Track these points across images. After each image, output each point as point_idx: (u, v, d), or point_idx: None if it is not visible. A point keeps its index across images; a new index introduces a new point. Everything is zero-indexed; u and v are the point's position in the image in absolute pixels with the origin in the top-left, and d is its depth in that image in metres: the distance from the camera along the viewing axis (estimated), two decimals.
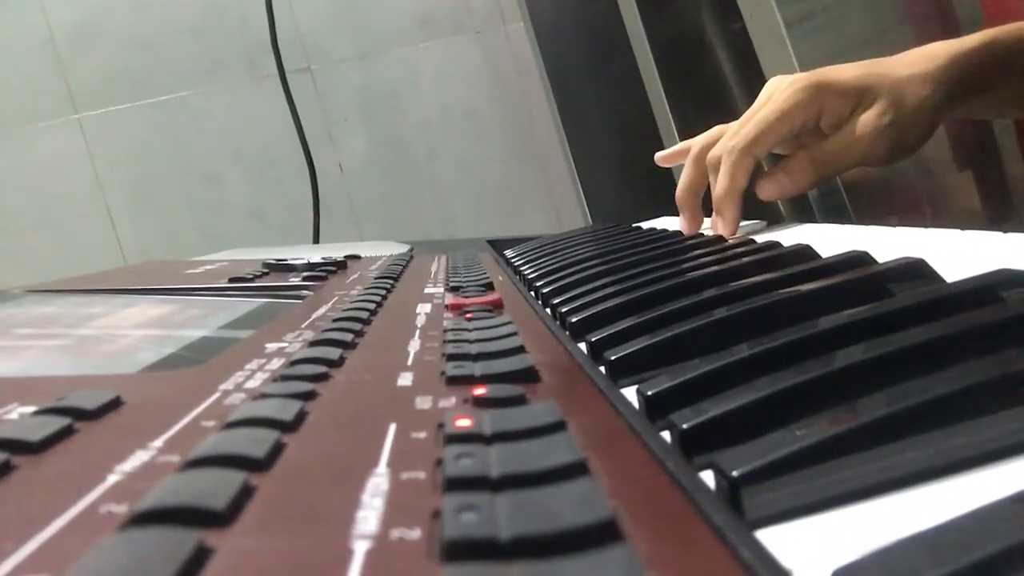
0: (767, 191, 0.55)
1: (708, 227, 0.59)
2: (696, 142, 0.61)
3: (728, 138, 0.56)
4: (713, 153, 0.57)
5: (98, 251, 1.36)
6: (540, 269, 0.53)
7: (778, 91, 0.55)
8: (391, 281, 0.50)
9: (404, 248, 0.85)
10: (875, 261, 0.34)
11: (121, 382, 0.26)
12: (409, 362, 0.27)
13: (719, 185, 0.55)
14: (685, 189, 0.59)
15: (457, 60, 1.40)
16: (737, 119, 0.58)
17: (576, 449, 0.16)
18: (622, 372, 0.26)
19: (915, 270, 0.31)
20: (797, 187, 0.54)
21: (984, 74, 0.54)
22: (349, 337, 0.30)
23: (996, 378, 0.18)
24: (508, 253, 0.71)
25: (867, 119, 0.52)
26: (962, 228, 0.36)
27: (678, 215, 0.62)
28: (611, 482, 0.16)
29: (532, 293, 0.47)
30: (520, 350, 0.27)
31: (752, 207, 0.58)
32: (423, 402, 0.22)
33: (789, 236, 0.44)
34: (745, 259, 0.41)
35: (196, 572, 0.12)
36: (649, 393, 0.22)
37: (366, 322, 0.35)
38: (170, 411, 0.21)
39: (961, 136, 0.75)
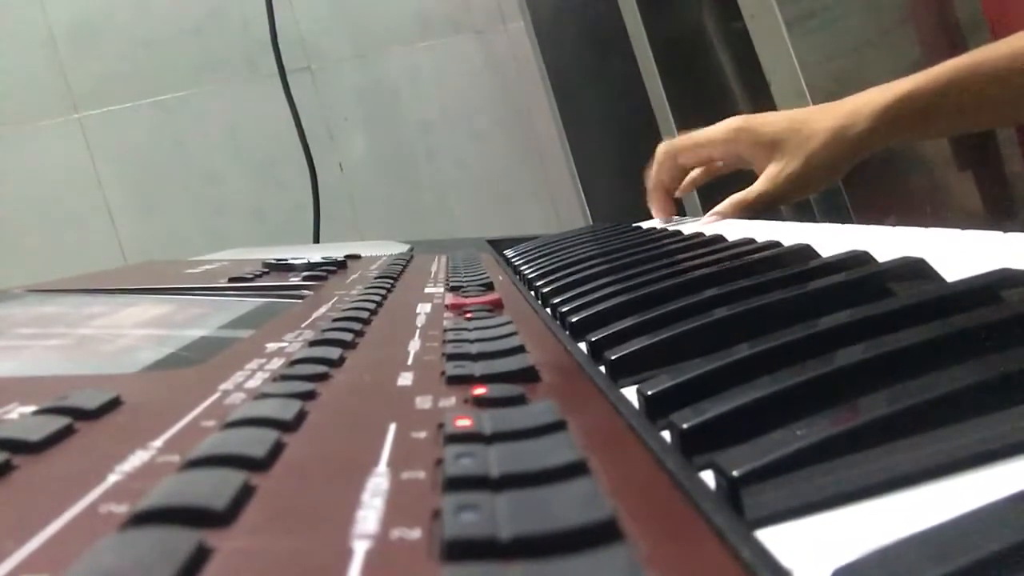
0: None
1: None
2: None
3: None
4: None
5: (98, 250, 1.36)
6: (540, 269, 0.53)
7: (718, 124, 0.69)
8: (391, 281, 0.50)
9: (404, 248, 0.85)
10: (875, 261, 0.34)
11: (121, 382, 0.26)
12: (409, 362, 0.27)
13: (650, 178, 0.72)
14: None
15: (457, 59, 1.40)
16: (737, 118, 0.69)
17: (576, 449, 0.16)
18: (622, 372, 0.26)
19: (915, 270, 0.31)
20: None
21: (910, 116, 0.61)
22: (349, 337, 0.30)
23: (996, 378, 0.18)
24: (508, 253, 0.71)
25: (776, 171, 0.64)
26: (962, 228, 0.36)
27: (678, 215, 0.67)
28: (611, 482, 0.16)
29: (532, 293, 0.47)
30: (520, 350, 0.27)
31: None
32: (423, 402, 0.22)
33: (789, 236, 0.44)
34: (745, 259, 0.41)
35: (196, 572, 0.12)
36: (649, 393, 0.22)
37: (366, 322, 0.35)
38: (170, 411, 0.21)
39: (961, 136, 0.75)
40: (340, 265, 0.62)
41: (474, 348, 0.27)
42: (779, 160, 0.63)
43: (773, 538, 0.15)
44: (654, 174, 0.71)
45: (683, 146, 0.69)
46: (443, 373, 0.25)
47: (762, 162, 0.65)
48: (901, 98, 0.60)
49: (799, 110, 0.67)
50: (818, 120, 0.63)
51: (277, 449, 0.17)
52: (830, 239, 0.41)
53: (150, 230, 1.40)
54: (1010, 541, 0.12)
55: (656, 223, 0.72)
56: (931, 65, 0.60)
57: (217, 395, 0.23)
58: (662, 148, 0.71)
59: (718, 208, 0.66)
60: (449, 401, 0.22)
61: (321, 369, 0.25)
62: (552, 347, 0.30)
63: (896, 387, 0.19)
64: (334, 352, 0.27)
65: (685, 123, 0.72)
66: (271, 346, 0.30)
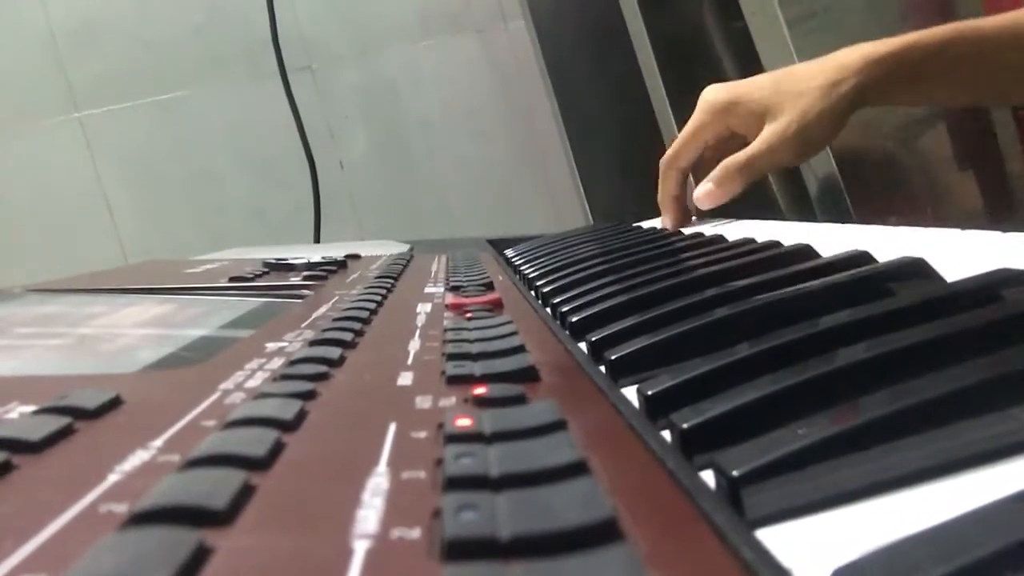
0: (703, 203, 0.63)
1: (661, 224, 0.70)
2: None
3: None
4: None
5: (99, 250, 1.36)
6: (540, 268, 0.53)
7: (697, 107, 0.66)
8: (391, 280, 0.50)
9: (404, 247, 0.85)
10: (875, 261, 0.34)
11: (121, 381, 0.26)
12: (409, 361, 0.27)
13: (659, 194, 0.68)
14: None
15: (458, 58, 1.40)
16: (716, 92, 0.67)
17: (576, 448, 0.16)
18: (622, 371, 0.26)
19: (915, 270, 0.31)
20: (727, 194, 0.62)
21: (904, 74, 0.59)
22: (349, 336, 0.30)
23: (996, 377, 0.18)
24: (508, 253, 0.71)
25: (775, 130, 0.60)
26: (962, 227, 0.36)
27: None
28: (611, 481, 0.16)
29: (532, 292, 0.47)
30: (520, 349, 0.27)
31: (754, 206, 0.59)
32: (423, 401, 0.22)
33: (789, 235, 0.44)
34: (745, 258, 0.41)
35: (196, 571, 0.12)
36: (649, 392, 0.22)
37: (366, 321, 0.35)
38: (170, 410, 0.21)
39: (962, 135, 0.75)
40: (340, 265, 0.62)
41: (474, 348, 0.27)
42: (773, 122, 0.60)
43: (773, 538, 0.15)
44: (662, 189, 0.68)
45: (679, 152, 0.67)
46: (443, 373, 0.25)
47: (755, 130, 0.62)
48: (894, 53, 0.58)
49: (781, 70, 0.64)
50: (806, 78, 0.60)
51: (277, 449, 0.17)
52: (830, 238, 0.41)
53: (150, 230, 1.40)
54: (1010, 540, 0.12)
55: (656, 223, 0.72)
56: None
57: (217, 395, 0.23)
58: (663, 162, 0.68)
59: (712, 175, 0.62)
60: (449, 401, 0.22)
61: (321, 369, 0.25)
62: (552, 347, 0.30)
63: (896, 387, 0.19)
64: (334, 352, 0.27)
65: (686, 122, 0.71)
66: (271, 346, 0.30)
